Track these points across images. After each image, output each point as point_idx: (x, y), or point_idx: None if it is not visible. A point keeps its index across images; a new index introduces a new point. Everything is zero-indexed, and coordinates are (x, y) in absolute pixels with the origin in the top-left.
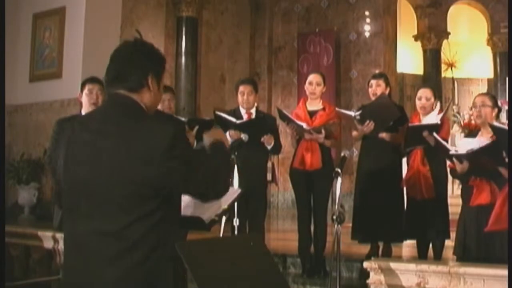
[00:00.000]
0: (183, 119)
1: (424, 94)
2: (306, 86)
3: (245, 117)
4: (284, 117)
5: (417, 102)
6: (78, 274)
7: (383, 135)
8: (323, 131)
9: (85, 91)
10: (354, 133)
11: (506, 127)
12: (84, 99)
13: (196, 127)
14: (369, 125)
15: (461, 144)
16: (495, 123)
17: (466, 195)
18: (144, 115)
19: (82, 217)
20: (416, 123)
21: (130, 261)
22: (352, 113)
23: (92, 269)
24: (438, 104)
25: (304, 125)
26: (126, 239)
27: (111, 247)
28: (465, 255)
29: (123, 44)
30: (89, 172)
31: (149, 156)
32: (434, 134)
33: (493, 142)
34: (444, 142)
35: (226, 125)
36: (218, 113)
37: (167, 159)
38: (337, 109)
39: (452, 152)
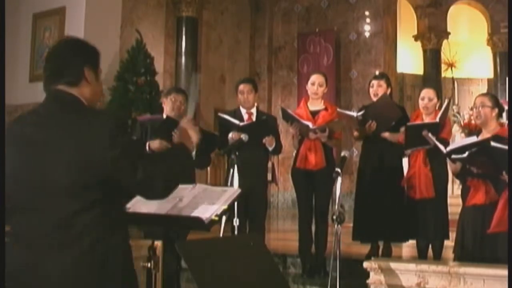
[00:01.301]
0: None
1: (427, 95)
2: (308, 86)
3: (245, 117)
4: (288, 117)
5: (420, 102)
6: (25, 267)
7: (386, 134)
8: (327, 129)
9: None
10: (356, 133)
11: (505, 147)
12: None
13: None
14: (371, 125)
15: (457, 142)
16: (493, 143)
17: (464, 195)
18: (84, 107)
19: (29, 210)
20: (416, 122)
21: (77, 250)
22: (354, 114)
23: (39, 261)
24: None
25: (310, 125)
26: (72, 228)
27: (58, 237)
28: (462, 255)
29: (56, 43)
30: (34, 165)
31: (92, 145)
32: (429, 134)
33: (483, 145)
34: (437, 143)
35: (229, 127)
36: (222, 115)
37: (110, 147)
38: (338, 109)
39: (447, 150)
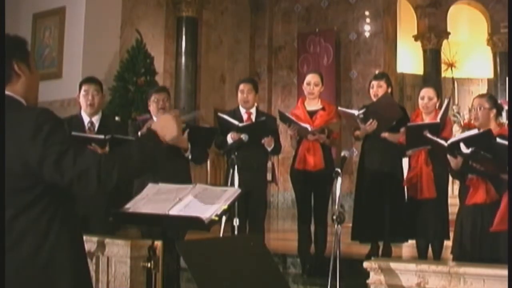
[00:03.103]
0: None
1: (427, 94)
2: (304, 86)
3: (245, 116)
4: (285, 119)
5: (420, 102)
6: None
7: (386, 134)
8: (326, 131)
9: (82, 91)
10: (356, 132)
11: (505, 142)
12: (81, 99)
13: (187, 130)
14: (372, 124)
15: (458, 135)
16: (499, 140)
17: (463, 194)
18: (16, 106)
19: None
20: (416, 123)
21: (19, 255)
22: (355, 112)
23: (4, 263)
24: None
25: (309, 127)
26: (12, 232)
27: (3, 242)
28: (461, 254)
29: None
30: None
31: (17, 145)
32: (428, 133)
33: (488, 140)
34: (438, 140)
35: (229, 127)
36: (221, 115)
37: (34, 144)
38: (339, 108)
39: (449, 143)
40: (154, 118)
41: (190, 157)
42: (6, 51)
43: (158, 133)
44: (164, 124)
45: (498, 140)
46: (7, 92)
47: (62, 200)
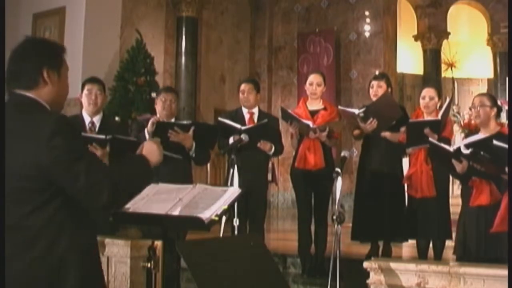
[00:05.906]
0: (185, 122)
1: (428, 94)
2: (307, 86)
3: (246, 117)
4: (288, 117)
5: (421, 102)
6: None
7: (386, 134)
8: (327, 129)
9: (85, 91)
10: (356, 131)
11: (505, 145)
12: (84, 99)
13: (192, 128)
14: (372, 123)
15: (460, 141)
16: (495, 142)
17: (466, 195)
18: (38, 110)
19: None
20: (417, 120)
21: (32, 254)
22: (355, 111)
23: (7, 260)
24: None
25: (310, 124)
26: (25, 231)
27: (14, 240)
28: (465, 256)
29: (17, 45)
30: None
31: (32, 147)
32: (431, 139)
33: (489, 137)
34: (442, 144)
35: (230, 131)
36: (221, 120)
37: (48, 149)
38: (340, 107)
39: (452, 149)
40: (158, 115)
41: (193, 155)
42: (38, 57)
43: (147, 156)
44: (150, 150)
45: (495, 142)
46: (30, 95)
47: (76, 200)
